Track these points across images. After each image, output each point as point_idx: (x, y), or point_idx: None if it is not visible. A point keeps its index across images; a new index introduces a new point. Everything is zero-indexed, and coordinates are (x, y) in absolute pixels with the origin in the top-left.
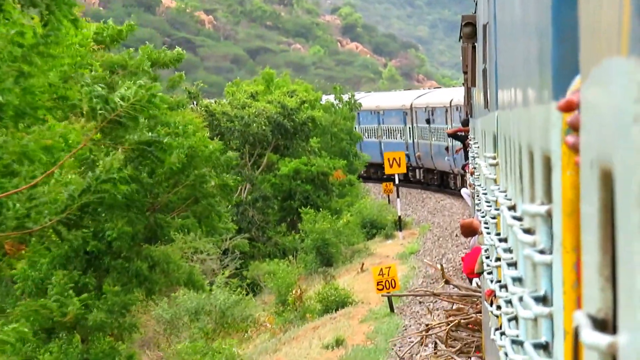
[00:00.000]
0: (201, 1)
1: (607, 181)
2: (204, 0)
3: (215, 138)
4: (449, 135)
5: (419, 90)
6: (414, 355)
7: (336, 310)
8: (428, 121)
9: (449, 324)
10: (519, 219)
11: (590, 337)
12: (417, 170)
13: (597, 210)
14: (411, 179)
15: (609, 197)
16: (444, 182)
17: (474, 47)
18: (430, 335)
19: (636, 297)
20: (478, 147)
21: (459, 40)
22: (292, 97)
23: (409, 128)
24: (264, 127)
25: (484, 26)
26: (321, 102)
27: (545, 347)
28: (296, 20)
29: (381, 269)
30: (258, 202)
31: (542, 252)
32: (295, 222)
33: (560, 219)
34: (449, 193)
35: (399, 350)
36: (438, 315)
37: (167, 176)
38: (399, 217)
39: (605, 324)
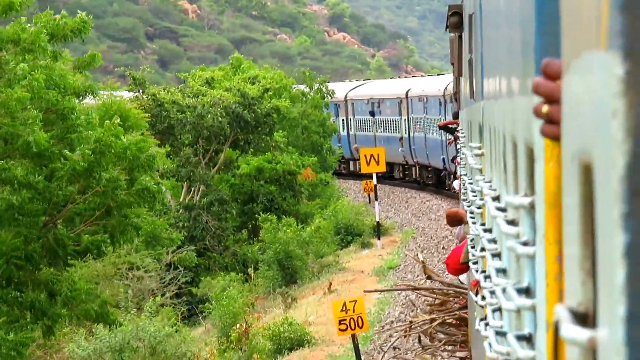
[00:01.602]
0: None
1: (587, 174)
2: None
3: (164, 132)
4: (440, 127)
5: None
6: (397, 349)
7: (290, 350)
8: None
9: (432, 321)
10: (503, 210)
11: (570, 331)
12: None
13: (577, 203)
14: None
15: (589, 191)
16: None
17: (460, 37)
18: (414, 331)
19: (615, 292)
20: (464, 137)
21: (446, 30)
22: (253, 84)
23: (405, 120)
24: (220, 119)
25: (470, 16)
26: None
27: (528, 339)
28: (282, 10)
29: (344, 304)
30: (214, 206)
31: (525, 243)
32: (257, 228)
33: (543, 211)
34: (434, 192)
35: (382, 344)
36: (421, 310)
37: (70, 179)
38: (377, 222)
39: (586, 318)
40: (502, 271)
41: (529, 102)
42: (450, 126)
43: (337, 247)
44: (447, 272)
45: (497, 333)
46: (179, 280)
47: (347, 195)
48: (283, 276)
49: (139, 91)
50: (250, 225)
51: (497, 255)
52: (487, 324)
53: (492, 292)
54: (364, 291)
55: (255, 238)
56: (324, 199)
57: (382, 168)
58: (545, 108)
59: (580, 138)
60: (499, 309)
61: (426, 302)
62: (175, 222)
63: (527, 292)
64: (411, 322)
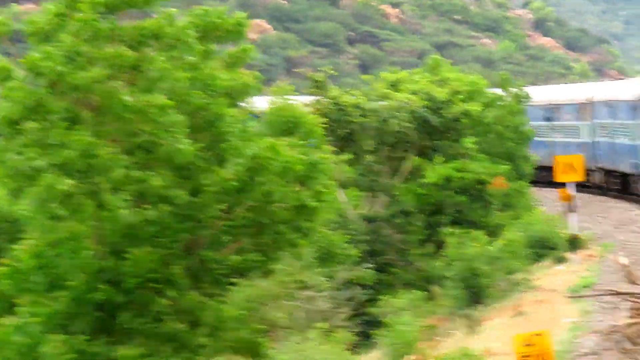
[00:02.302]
0: None
1: None
2: None
3: (345, 138)
4: None
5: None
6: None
7: None
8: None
9: (633, 325)
10: None
11: None
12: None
13: None
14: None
15: None
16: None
17: None
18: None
19: None
20: None
21: None
22: (442, 86)
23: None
24: (406, 124)
25: None
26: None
27: None
28: (486, 14)
29: (527, 338)
30: (397, 218)
31: None
32: (443, 242)
33: None
34: (637, 202)
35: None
36: (624, 311)
37: (219, 196)
38: (574, 236)
39: None
40: None
41: None
42: None
43: (532, 261)
44: None
45: None
46: (354, 301)
47: (543, 205)
48: (468, 295)
49: (319, 94)
50: (436, 239)
51: None
52: None
53: None
54: (568, 296)
55: (441, 252)
56: (518, 209)
57: (581, 176)
58: None
59: None
60: None
61: (628, 307)
62: (356, 235)
63: None
64: (614, 326)
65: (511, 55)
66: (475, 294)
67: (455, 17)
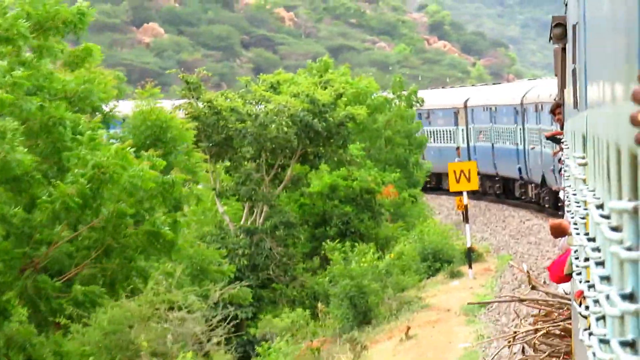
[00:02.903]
0: None
1: None
2: None
3: (221, 144)
4: (547, 138)
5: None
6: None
7: None
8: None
9: (537, 331)
10: (607, 217)
11: None
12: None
13: None
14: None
15: None
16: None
17: (563, 49)
18: (517, 341)
19: None
20: (567, 148)
21: (549, 42)
22: (325, 88)
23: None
24: (285, 129)
25: (574, 26)
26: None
27: (632, 345)
28: (381, 18)
29: None
30: (279, 230)
31: (629, 249)
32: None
33: None
34: (536, 210)
35: (484, 353)
36: (525, 320)
37: (57, 215)
38: (469, 249)
39: None
40: (606, 278)
41: (632, 109)
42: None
43: (424, 275)
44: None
45: (601, 341)
46: (229, 322)
47: (439, 213)
48: (355, 315)
49: (192, 97)
50: (322, 252)
51: (600, 264)
52: (590, 333)
53: (596, 301)
54: (468, 303)
55: (328, 266)
56: (411, 219)
57: (475, 186)
58: None
59: None
60: (603, 317)
61: (530, 313)
62: (235, 248)
63: (631, 297)
64: (515, 332)
65: (407, 58)
66: (362, 313)
67: (351, 20)
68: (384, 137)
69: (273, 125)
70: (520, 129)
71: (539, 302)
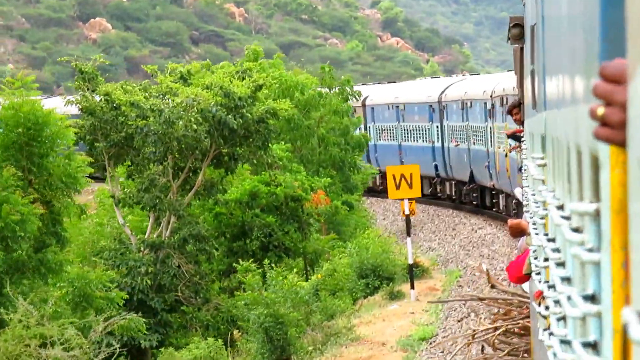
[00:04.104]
0: None
1: None
2: None
3: (121, 144)
4: (508, 136)
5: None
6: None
7: None
8: None
9: (496, 329)
10: (567, 218)
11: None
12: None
13: None
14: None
15: None
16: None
17: (522, 49)
18: (477, 340)
19: None
20: (526, 148)
21: (507, 42)
22: (243, 79)
23: (437, 127)
24: (195, 127)
25: (532, 27)
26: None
27: (594, 346)
28: (333, 14)
29: None
30: (188, 244)
31: (590, 250)
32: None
33: (609, 218)
34: (490, 217)
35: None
36: (485, 319)
37: None
38: (411, 266)
39: None
40: (567, 279)
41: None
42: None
43: (361, 295)
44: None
45: (562, 342)
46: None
47: (384, 219)
48: (271, 350)
49: (88, 89)
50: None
51: (561, 264)
52: (551, 334)
53: (557, 302)
54: (428, 302)
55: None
56: (349, 228)
57: (417, 193)
58: (600, 110)
59: None
60: (564, 318)
61: (490, 312)
62: (137, 266)
63: (592, 299)
64: (474, 331)
65: (359, 55)
66: (280, 348)
67: (302, 16)
68: (316, 136)
69: (180, 122)
70: (437, 127)
71: (499, 300)
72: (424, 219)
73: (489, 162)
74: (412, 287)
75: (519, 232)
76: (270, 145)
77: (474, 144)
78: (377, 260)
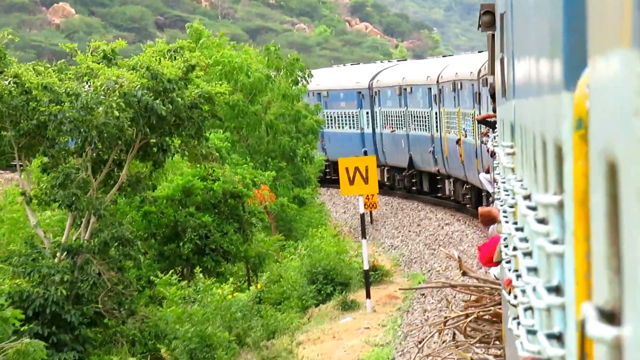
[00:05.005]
0: None
1: (612, 172)
2: None
3: (33, 133)
4: (479, 121)
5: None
6: (432, 345)
7: None
8: None
9: (467, 316)
10: (534, 208)
11: (597, 329)
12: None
13: (603, 200)
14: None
15: (614, 188)
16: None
17: (493, 36)
18: (449, 326)
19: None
20: (497, 135)
21: (478, 29)
22: (175, 59)
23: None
24: (117, 114)
25: (502, 15)
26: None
27: (558, 338)
28: None
29: None
30: (110, 248)
31: (555, 242)
32: (187, 277)
33: (572, 209)
34: (459, 212)
35: (416, 340)
36: (456, 306)
37: None
38: (366, 272)
39: (613, 316)
40: (533, 270)
41: (558, 101)
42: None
43: (312, 303)
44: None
45: (529, 332)
46: None
47: (344, 212)
48: None
49: None
50: (175, 276)
51: (528, 254)
52: (519, 323)
53: (524, 291)
54: (399, 289)
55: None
56: (301, 225)
57: (374, 189)
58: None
59: (605, 135)
60: (530, 308)
61: (461, 299)
62: (50, 274)
63: (557, 290)
64: (446, 318)
65: (327, 40)
66: None
67: (270, 1)
68: (264, 123)
69: (100, 108)
70: (367, 113)
71: (470, 287)
72: (387, 212)
73: (433, 148)
74: (368, 296)
75: (490, 220)
76: (205, 134)
77: (414, 129)
78: (330, 264)
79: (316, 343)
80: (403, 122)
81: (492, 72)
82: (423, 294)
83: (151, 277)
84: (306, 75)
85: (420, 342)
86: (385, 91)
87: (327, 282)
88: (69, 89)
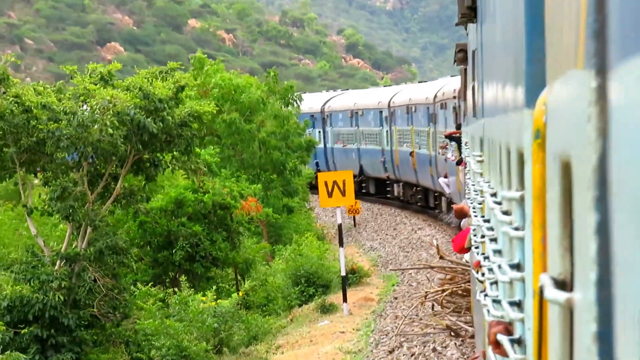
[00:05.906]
0: (223, 22)
1: (566, 170)
2: (226, 21)
3: (33, 150)
4: (446, 136)
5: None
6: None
7: None
8: None
9: (443, 291)
10: (499, 203)
11: (552, 294)
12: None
13: (558, 194)
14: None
15: (568, 183)
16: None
17: (465, 70)
18: (429, 299)
19: (588, 261)
20: (468, 148)
21: (454, 64)
22: (165, 80)
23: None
24: (111, 131)
25: (473, 52)
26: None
27: (518, 305)
28: (306, 39)
29: None
30: (105, 256)
31: (516, 229)
32: (177, 283)
33: (531, 202)
34: (428, 217)
35: (401, 310)
36: (435, 282)
37: None
38: (343, 278)
39: (565, 284)
40: (498, 252)
41: (520, 116)
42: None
43: (296, 303)
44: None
45: (494, 301)
46: None
47: (332, 216)
48: None
49: None
50: (167, 281)
51: (494, 240)
52: (485, 295)
53: (490, 269)
54: (390, 269)
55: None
56: (289, 231)
57: (351, 200)
58: None
59: (561, 140)
60: (496, 282)
61: (439, 278)
62: (49, 280)
63: (518, 267)
64: (427, 292)
65: (327, 73)
66: None
67: (281, 41)
68: (257, 140)
69: (95, 126)
70: (319, 132)
71: (446, 268)
72: (368, 217)
73: (384, 158)
74: (345, 300)
75: (462, 214)
76: (194, 149)
77: (365, 145)
78: (312, 267)
79: (294, 347)
80: (355, 139)
81: (465, 98)
82: (395, 297)
83: (131, 288)
84: (296, 99)
85: (390, 352)
86: (337, 114)
87: (309, 285)
88: (66, 108)
